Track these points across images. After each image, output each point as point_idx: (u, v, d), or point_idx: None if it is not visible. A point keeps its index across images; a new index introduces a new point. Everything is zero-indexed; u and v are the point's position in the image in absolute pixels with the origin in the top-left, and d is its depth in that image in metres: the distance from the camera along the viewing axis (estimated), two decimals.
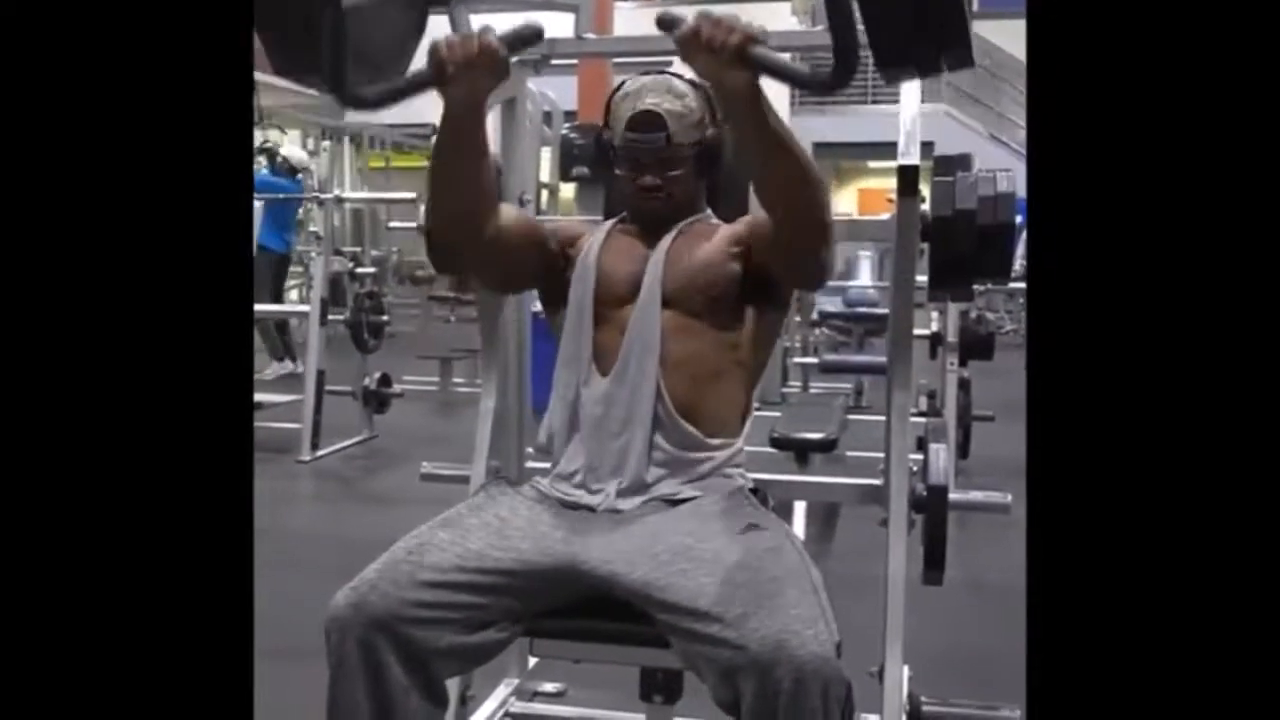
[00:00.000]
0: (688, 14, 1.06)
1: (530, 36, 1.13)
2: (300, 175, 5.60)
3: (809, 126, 8.88)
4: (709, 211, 1.41)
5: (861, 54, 0.98)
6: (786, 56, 1.12)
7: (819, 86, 1.02)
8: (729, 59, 1.02)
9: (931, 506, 1.46)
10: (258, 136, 5.51)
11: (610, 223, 1.43)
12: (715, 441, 1.29)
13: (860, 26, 0.98)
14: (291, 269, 6.21)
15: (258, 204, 5.37)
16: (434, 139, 1.20)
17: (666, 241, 1.34)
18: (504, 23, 1.16)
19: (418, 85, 1.12)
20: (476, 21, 1.59)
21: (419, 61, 1.17)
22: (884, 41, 0.99)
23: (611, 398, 1.28)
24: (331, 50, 1.06)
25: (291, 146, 5.86)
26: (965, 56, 1.00)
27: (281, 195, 5.21)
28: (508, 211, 1.33)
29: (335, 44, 1.06)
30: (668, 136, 1.31)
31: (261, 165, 5.55)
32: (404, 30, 1.22)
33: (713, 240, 1.34)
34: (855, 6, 0.96)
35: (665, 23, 1.06)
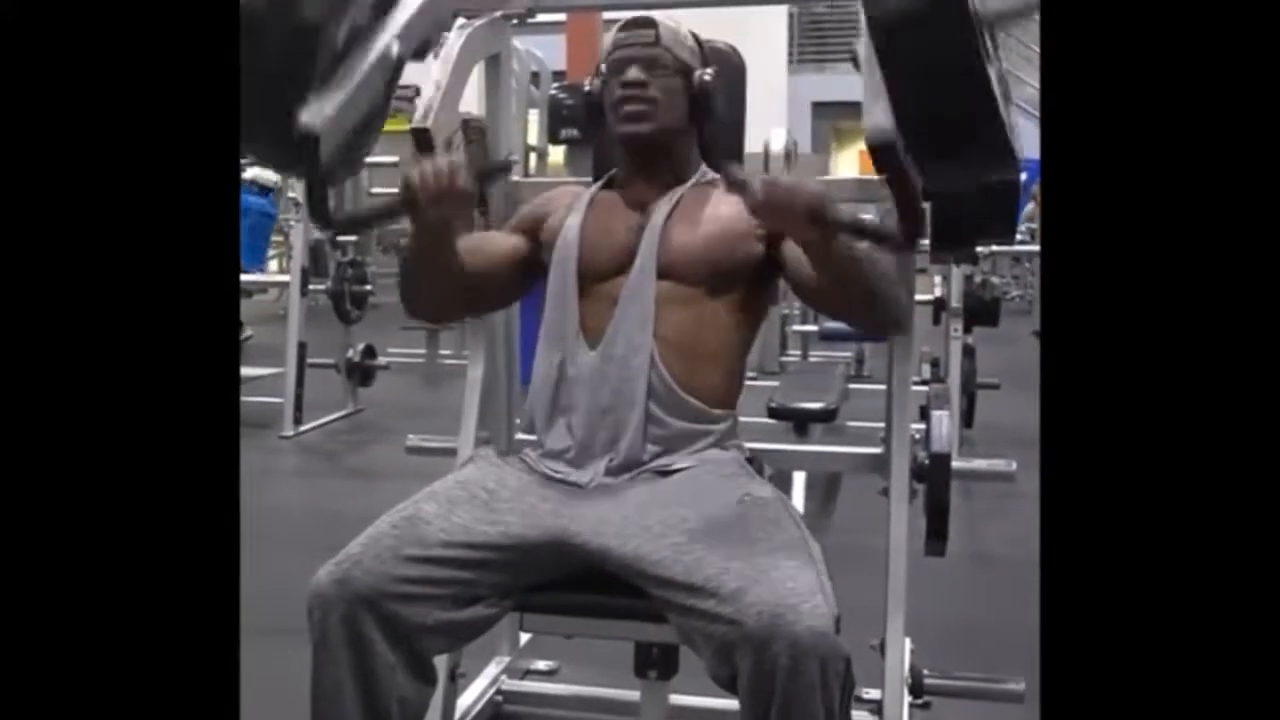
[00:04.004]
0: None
1: (500, 170, 1.21)
2: (272, 194, 5.44)
3: (807, 86, 8.73)
4: (704, 168, 1.36)
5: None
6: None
7: (890, 245, 1.11)
8: (799, 221, 1.06)
9: (934, 475, 1.42)
10: None
11: (592, 190, 1.38)
12: (716, 412, 1.26)
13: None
14: (272, 238, 6.09)
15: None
16: (407, 245, 1.25)
17: (663, 210, 1.29)
18: None
19: (387, 214, 1.20)
20: None
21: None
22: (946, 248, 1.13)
23: (602, 373, 1.24)
24: (312, 196, 1.16)
25: (255, 167, 5.71)
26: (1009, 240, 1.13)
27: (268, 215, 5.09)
28: (475, 254, 1.29)
29: (316, 192, 1.16)
30: (657, 35, 1.30)
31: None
32: (379, 94, 1.23)
33: (728, 212, 1.27)
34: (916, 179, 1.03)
35: (734, 184, 1.13)
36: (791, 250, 1.23)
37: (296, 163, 1.12)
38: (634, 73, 1.28)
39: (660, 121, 1.29)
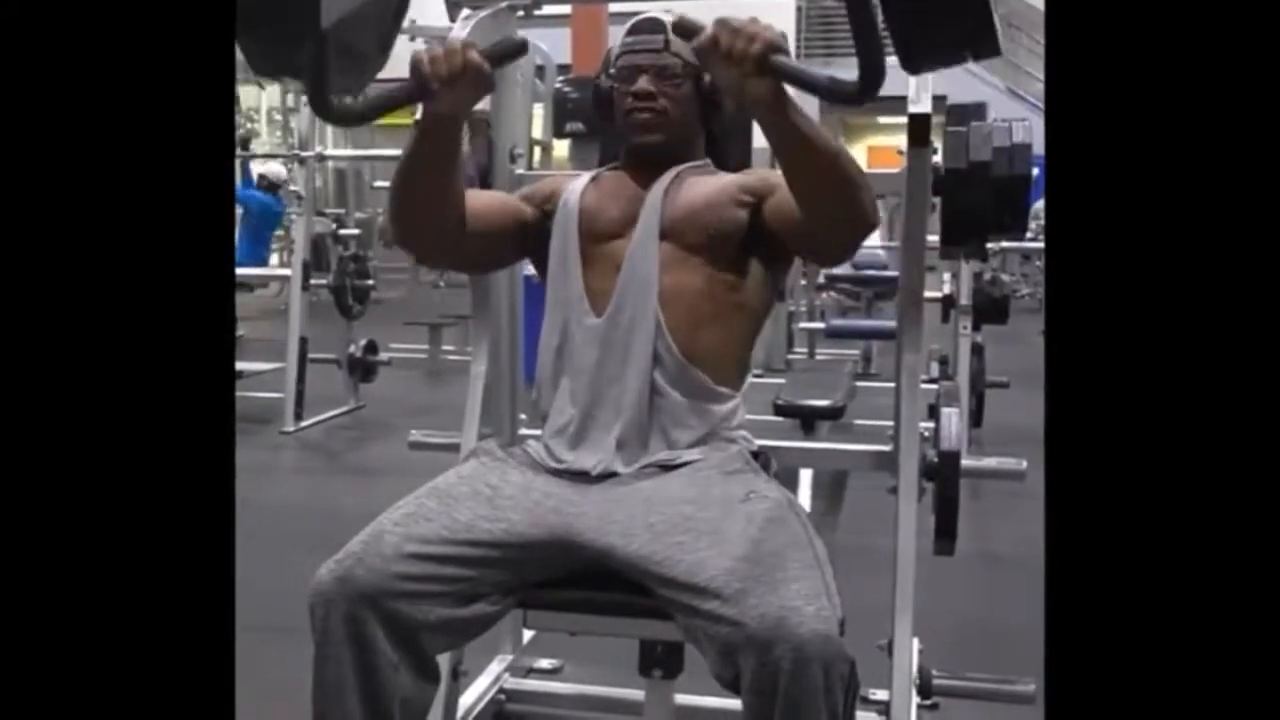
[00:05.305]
0: (707, 20, 1.03)
1: (514, 50, 1.12)
2: (280, 193, 5.47)
3: None
4: (709, 161, 1.36)
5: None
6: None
7: (843, 98, 0.99)
8: (750, 69, 0.99)
9: (943, 473, 1.40)
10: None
11: (597, 170, 1.39)
12: (720, 390, 1.25)
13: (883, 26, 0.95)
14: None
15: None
16: (407, 146, 1.17)
17: (665, 179, 1.30)
18: None
19: (398, 100, 1.11)
20: None
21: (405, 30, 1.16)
22: (909, 42, 0.97)
23: (607, 338, 1.24)
24: (313, 73, 1.05)
25: (269, 163, 5.73)
26: (992, 48, 0.97)
27: (275, 212, 5.15)
28: (476, 201, 1.28)
29: (317, 68, 1.05)
30: (666, 41, 1.28)
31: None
32: (386, 14, 1.17)
33: (719, 182, 1.30)
34: (878, 12, 0.94)
35: (684, 30, 1.05)
36: (771, 204, 1.23)
37: (296, 35, 1.02)
38: (643, 83, 1.27)
39: (670, 131, 1.30)
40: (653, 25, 1.29)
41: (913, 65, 1.01)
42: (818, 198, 1.12)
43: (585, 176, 1.36)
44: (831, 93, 0.99)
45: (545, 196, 1.36)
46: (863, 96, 0.96)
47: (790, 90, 1.04)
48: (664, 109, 1.28)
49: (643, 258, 1.25)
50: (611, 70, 1.32)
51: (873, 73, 0.94)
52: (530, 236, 1.34)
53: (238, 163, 5.72)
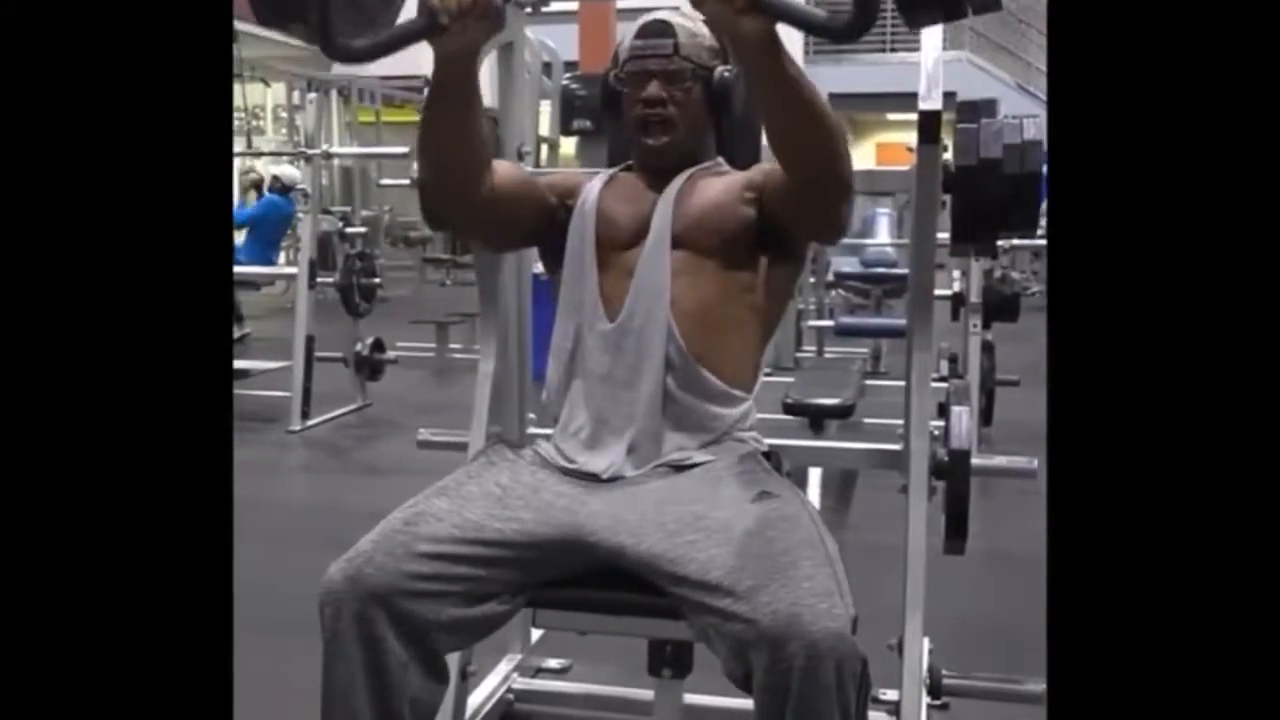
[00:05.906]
0: None
1: None
2: (293, 194, 5.53)
3: (824, 77, 8.73)
4: (720, 160, 1.35)
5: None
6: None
7: (836, 34, 0.97)
8: (741, 6, 0.96)
9: (954, 472, 1.40)
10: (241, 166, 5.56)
11: (612, 170, 1.38)
12: (734, 393, 1.25)
13: None
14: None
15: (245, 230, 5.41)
16: (426, 93, 1.15)
17: (677, 183, 1.29)
18: None
19: (409, 37, 1.07)
20: None
21: (410, 9, 1.13)
22: None
23: (619, 344, 1.23)
24: (319, 7, 1.02)
25: (282, 165, 5.78)
26: (991, 0, 0.96)
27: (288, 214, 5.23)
28: (502, 168, 1.27)
29: (325, 7, 1.02)
30: (675, 45, 1.27)
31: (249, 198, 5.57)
32: None
33: (727, 182, 1.29)
34: None
35: None
36: (769, 188, 1.22)
37: None
38: (653, 89, 1.27)
39: (680, 138, 1.29)
40: (661, 29, 1.27)
41: (912, 16, 1.00)
42: (801, 149, 1.11)
43: (601, 177, 1.35)
44: (825, 29, 0.98)
45: (567, 190, 1.35)
46: (855, 31, 0.94)
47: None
48: (672, 116, 1.27)
49: (654, 264, 1.24)
50: (620, 74, 1.31)
51: (866, 7, 0.92)
52: (546, 224, 1.33)
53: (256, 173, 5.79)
